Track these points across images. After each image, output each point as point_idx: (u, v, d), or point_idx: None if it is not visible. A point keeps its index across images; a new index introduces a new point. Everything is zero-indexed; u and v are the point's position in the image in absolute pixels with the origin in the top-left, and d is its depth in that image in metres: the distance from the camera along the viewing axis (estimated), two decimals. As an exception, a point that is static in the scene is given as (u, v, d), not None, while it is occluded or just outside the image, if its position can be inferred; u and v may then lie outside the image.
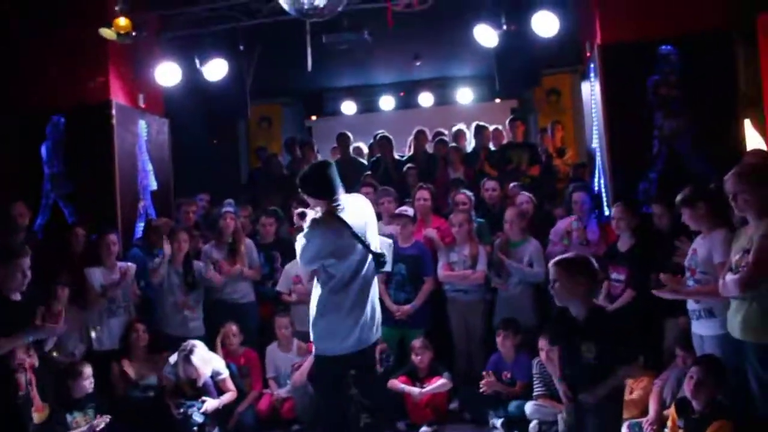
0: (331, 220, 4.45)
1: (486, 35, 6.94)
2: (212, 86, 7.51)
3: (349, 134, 9.92)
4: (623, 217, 5.75)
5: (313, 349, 4.69)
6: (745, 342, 4.03)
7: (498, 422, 5.79)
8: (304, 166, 9.33)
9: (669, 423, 4.59)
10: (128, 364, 6.13)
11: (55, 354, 5.72)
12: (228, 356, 6.29)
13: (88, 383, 5.57)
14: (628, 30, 6.54)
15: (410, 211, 6.62)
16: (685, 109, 6.35)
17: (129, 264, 6.50)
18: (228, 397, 5.95)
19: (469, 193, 7.04)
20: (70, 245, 6.58)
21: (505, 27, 6.80)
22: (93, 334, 6.22)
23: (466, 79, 11.67)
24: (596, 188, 7.04)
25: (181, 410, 5.58)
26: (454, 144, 9.25)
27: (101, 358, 6.16)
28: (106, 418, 5.49)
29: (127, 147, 7.37)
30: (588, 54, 7.20)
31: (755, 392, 3.99)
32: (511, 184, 7.55)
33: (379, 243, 4.67)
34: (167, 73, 7.26)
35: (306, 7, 5.50)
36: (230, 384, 6.01)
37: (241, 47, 7.46)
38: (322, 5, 5.51)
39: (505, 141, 9.56)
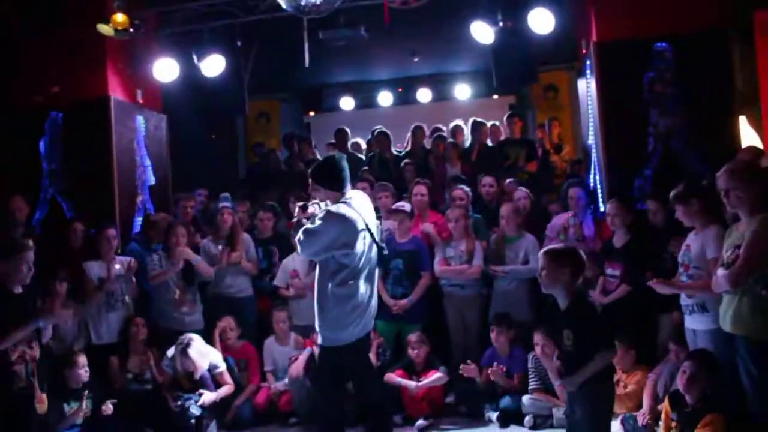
0: (347, 210, 4.61)
1: (482, 32, 6.97)
2: (210, 82, 7.54)
3: (347, 130, 9.97)
4: (618, 213, 5.79)
5: (320, 340, 4.78)
6: (735, 336, 4.08)
7: (493, 416, 5.84)
8: (300, 162, 9.52)
9: (662, 416, 4.63)
10: (127, 357, 6.16)
11: (51, 343, 5.74)
12: (226, 350, 6.33)
13: (83, 372, 5.61)
14: (623, 27, 6.58)
15: (407, 207, 6.65)
16: (680, 106, 6.38)
17: (131, 259, 6.53)
18: (225, 390, 6.00)
19: (467, 189, 7.08)
20: (69, 240, 6.62)
21: (501, 24, 6.83)
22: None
23: (463, 76, 11.73)
24: (592, 184, 7.07)
25: (179, 403, 5.62)
26: (451, 140, 9.28)
27: (100, 352, 6.20)
28: (110, 404, 5.54)
29: (125, 142, 7.40)
30: (584, 51, 7.23)
31: (746, 386, 4.03)
32: (508, 180, 7.59)
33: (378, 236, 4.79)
34: (165, 69, 7.29)
35: (303, 3, 5.54)
36: (227, 377, 6.05)
37: (239, 43, 7.49)
38: (318, 2, 5.56)
39: (502, 137, 9.60)
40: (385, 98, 12.05)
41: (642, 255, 5.60)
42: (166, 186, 8.08)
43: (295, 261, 6.77)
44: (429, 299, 6.53)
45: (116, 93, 7.32)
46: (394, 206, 6.69)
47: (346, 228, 4.58)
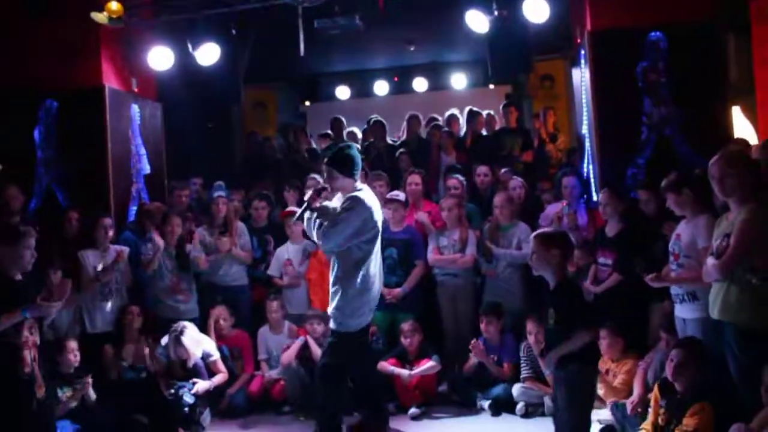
0: (368, 198, 4.86)
1: (477, 21, 6.95)
2: (205, 71, 7.53)
3: (343, 119, 9.97)
4: (610, 202, 5.81)
5: (335, 327, 4.93)
6: (724, 323, 4.10)
7: (485, 404, 5.87)
8: (296, 152, 9.51)
9: (652, 404, 4.66)
10: (122, 346, 6.17)
11: (45, 331, 5.76)
12: (219, 339, 6.36)
13: (73, 357, 5.62)
14: (617, 16, 6.57)
15: (402, 196, 6.67)
16: (674, 96, 6.39)
17: (122, 247, 6.55)
18: (219, 378, 6.02)
19: (461, 178, 7.10)
20: (64, 229, 6.63)
21: (496, 12, 6.81)
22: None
23: (460, 65, 11.72)
24: (585, 174, 7.08)
25: (172, 391, 5.64)
26: (447, 129, 9.28)
27: (95, 341, 6.23)
28: (88, 379, 5.57)
29: (120, 131, 7.40)
30: (578, 40, 7.22)
31: (733, 373, 4.07)
32: (503, 170, 7.60)
33: None
34: (160, 58, 7.28)
35: (298, -9, 5.53)
36: (221, 366, 6.08)
37: (234, 32, 7.47)
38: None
39: (498, 126, 9.60)
40: (381, 87, 12.04)
41: (634, 244, 5.62)
42: (162, 175, 8.09)
43: (288, 250, 6.79)
44: (422, 288, 6.56)
45: (111, 82, 7.31)
46: (388, 195, 6.70)
47: (370, 216, 4.83)
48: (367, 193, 4.97)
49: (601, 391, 5.30)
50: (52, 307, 4.35)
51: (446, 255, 6.47)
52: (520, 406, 5.73)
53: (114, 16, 6.69)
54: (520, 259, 6.19)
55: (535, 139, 9.49)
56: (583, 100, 7.15)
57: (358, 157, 4.98)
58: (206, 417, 5.88)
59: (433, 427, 5.56)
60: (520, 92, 11.81)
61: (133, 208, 7.39)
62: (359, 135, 10.12)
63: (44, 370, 4.86)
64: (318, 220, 4.87)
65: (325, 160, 5.01)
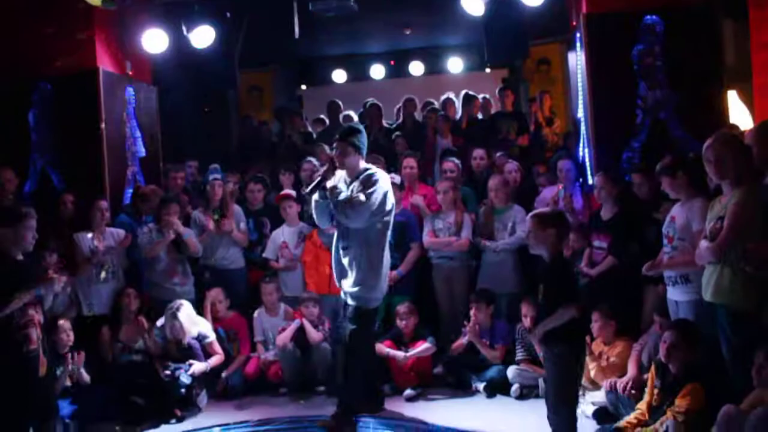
0: (385, 175, 5.13)
1: (473, 4, 6.93)
2: (201, 54, 7.51)
3: (339, 102, 9.95)
4: (605, 186, 5.82)
5: (357, 304, 5.09)
6: (716, 305, 4.13)
7: (480, 386, 5.91)
8: (292, 135, 9.49)
9: (648, 383, 4.69)
10: (118, 328, 6.19)
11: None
12: (216, 321, 6.37)
13: (66, 336, 5.62)
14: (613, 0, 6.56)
15: (397, 179, 6.67)
16: (669, 79, 6.38)
17: (119, 230, 6.55)
18: (215, 360, 6.04)
19: (457, 161, 7.11)
20: (59, 211, 6.63)
21: (492, -4, 6.81)
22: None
23: (456, 49, 11.69)
24: (581, 157, 7.09)
25: (169, 372, 5.66)
26: (442, 112, 9.28)
27: (91, 323, 6.25)
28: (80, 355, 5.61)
29: (115, 114, 7.38)
30: (574, 23, 7.21)
31: (725, 354, 4.10)
32: (498, 154, 7.60)
33: None
34: (154, 40, 7.25)
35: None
36: (217, 347, 6.10)
37: (228, 15, 7.44)
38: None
39: (494, 110, 9.59)
40: (377, 71, 12.02)
41: (629, 227, 5.65)
42: (157, 158, 8.08)
43: (284, 233, 6.81)
44: (417, 271, 6.58)
45: (105, 64, 7.28)
46: (384, 178, 6.70)
47: (389, 191, 5.07)
48: (379, 170, 5.19)
49: (593, 373, 5.34)
50: (60, 281, 4.45)
51: (441, 238, 6.49)
52: (514, 388, 5.77)
53: (107, -2, 6.66)
54: (518, 242, 6.21)
55: (532, 123, 9.49)
56: (579, 84, 7.15)
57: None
58: (203, 398, 5.92)
59: (429, 409, 5.60)
60: (516, 76, 11.79)
61: (129, 191, 7.39)
62: (355, 118, 10.11)
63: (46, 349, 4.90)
64: (343, 196, 4.98)
65: (338, 136, 5.19)
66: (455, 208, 6.54)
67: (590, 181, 6.69)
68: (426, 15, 9.52)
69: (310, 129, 10.04)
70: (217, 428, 5.45)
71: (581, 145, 7.17)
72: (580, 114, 7.14)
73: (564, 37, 9.49)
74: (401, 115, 9.55)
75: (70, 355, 5.60)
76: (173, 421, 5.61)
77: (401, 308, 6.22)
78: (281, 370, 6.24)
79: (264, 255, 6.87)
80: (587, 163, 6.93)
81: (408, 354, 6.06)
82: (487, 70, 11.85)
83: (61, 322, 5.70)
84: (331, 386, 6.07)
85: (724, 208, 4.11)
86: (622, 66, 6.44)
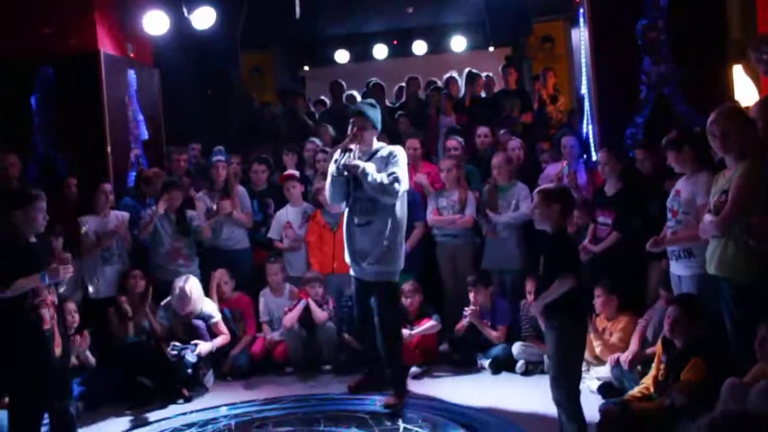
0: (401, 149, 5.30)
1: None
2: (202, 35, 7.49)
3: (343, 83, 9.92)
4: (609, 162, 5.79)
5: (384, 278, 5.17)
6: (720, 278, 4.12)
7: (485, 363, 5.93)
8: (292, 116, 9.46)
9: (655, 359, 4.70)
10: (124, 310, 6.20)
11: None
12: (221, 302, 6.40)
13: (71, 318, 5.63)
14: (617, -26, 6.51)
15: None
16: (674, 54, 6.33)
17: (123, 213, 6.57)
18: (221, 340, 6.07)
19: (460, 139, 7.09)
20: (63, 195, 6.64)
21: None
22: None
23: (459, 27, 11.61)
24: (585, 133, 7.07)
25: (175, 352, 5.69)
26: (445, 91, 9.24)
27: (98, 305, 6.28)
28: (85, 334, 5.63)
29: (117, 97, 7.38)
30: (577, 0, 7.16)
31: (728, 327, 4.10)
32: (502, 131, 7.58)
33: None
34: (155, 22, 7.24)
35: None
36: (223, 327, 6.12)
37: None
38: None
39: (497, 89, 9.55)
40: (380, 51, 11.96)
41: (632, 203, 5.63)
42: (160, 140, 8.09)
43: (288, 213, 6.82)
44: (422, 249, 6.58)
45: (106, 47, 7.27)
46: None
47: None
48: (394, 146, 5.34)
49: (598, 349, 5.35)
50: (68, 271, 4.42)
51: (445, 216, 6.49)
52: (519, 364, 5.79)
53: (107, -20, 6.64)
54: (522, 218, 6.21)
55: (536, 101, 9.45)
56: (582, 60, 7.10)
57: None
58: (209, 378, 5.96)
59: (434, 386, 5.62)
60: (520, 54, 11.71)
61: (132, 174, 7.40)
62: (359, 99, 10.08)
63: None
64: (375, 176, 5.00)
65: (357, 111, 5.27)
66: (459, 186, 6.53)
67: (594, 158, 6.66)
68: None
69: (312, 109, 10.01)
70: (225, 407, 5.48)
71: (585, 121, 7.14)
72: (584, 90, 7.11)
73: (568, 15, 9.44)
74: (404, 94, 9.52)
75: (74, 337, 5.62)
76: (181, 401, 5.64)
77: (406, 286, 6.22)
78: (287, 350, 6.27)
79: (268, 235, 6.89)
80: (591, 140, 6.91)
81: (413, 332, 6.07)
82: (491, 48, 11.79)
83: (68, 304, 5.72)
84: (336, 365, 6.11)
85: (728, 181, 4.09)
86: (626, 41, 6.39)
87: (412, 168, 6.90)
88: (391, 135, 7.57)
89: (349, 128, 5.26)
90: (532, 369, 5.77)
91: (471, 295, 6.07)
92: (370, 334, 5.42)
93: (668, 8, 6.33)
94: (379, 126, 5.34)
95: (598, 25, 6.60)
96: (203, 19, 7.27)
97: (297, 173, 7.03)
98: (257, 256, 7.02)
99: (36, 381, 4.28)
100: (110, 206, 6.53)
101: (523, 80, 10.52)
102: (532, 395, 5.16)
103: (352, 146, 5.08)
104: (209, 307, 6.13)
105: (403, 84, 9.72)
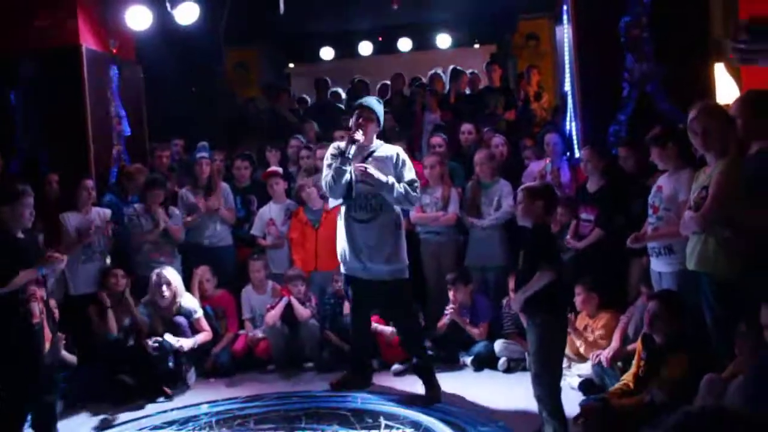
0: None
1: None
2: (186, 31, 7.44)
3: (328, 80, 9.91)
4: (591, 159, 5.82)
5: (400, 276, 5.20)
6: (700, 274, 4.14)
7: (468, 360, 5.94)
8: (277, 112, 9.43)
9: (635, 355, 4.72)
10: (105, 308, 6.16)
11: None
12: (203, 299, 6.36)
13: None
14: (600, -29, 6.52)
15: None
16: (656, 52, 6.35)
17: (105, 210, 6.52)
18: (202, 337, 6.02)
19: (444, 136, 7.09)
20: (44, 191, 6.58)
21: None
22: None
23: (444, 24, 11.60)
24: (568, 131, 7.08)
25: (156, 345, 5.64)
26: (430, 87, 9.25)
27: (78, 302, 6.23)
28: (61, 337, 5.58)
29: (99, 92, 7.31)
30: (561, -4, 7.17)
31: (708, 323, 4.12)
32: (486, 128, 7.58)
33: None
34: (138, 17, 7.18)
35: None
36: (204, 324, 6.08)
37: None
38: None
39: (482, 86, 9.56)
40: (365, 48, 11.94)
41: (615, 200, 5.65)
42: (143, 137, 8.02)
43: (271, 210, 6.80)
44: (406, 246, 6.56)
45: (88, 42, 7.20)
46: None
47: None
48: (396, 147, 5.42)
49: (582, 348, 5.36)
50: (62, 261, 4.52)
51: (429, 213, 6.48)
52: (502, 361, 5.80)
53: (89, -27, 6.58)
54: (506, 216, 6.21)
55: (520, 98, 9.46)
56: (566, 58, 7.11)
57: None
58: (191, 376, 5.92)
59: (416, 383, 5.60)
60: (505, 51, 11.74)
61: (115, 171, 7.34)
62: (343, 96, 10.07)
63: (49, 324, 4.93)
64: (403, 186, 5.04)
65: (364, 104, 5.23)
66: (442, 183, 6.53)
67: (577, 155, 6.68)
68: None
69: (297, 106, 9.99)
70: (206, 405, 5.44)
71: (568, 118, 7.15)
72: (567, 87, 7.12)
73: (552, 12, 9.44)
74: (389, 91, 9.51)
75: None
76: (162, 399, 5.60)
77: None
78: (269, 347, 6.24)
79: (251, 232, 6.86)
80: (574, 137, 6.92)
81: (395, 329, 6.05)
82: (476, 45, 11.79)
83: (49, 301, 5.67)
84: (319, 362, 6.10)
85: (709, 178, 4.11)
86: (609, 39, 6.38)
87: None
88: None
89: (354, 119, 5.19)
90: (514, 366, 5.78)
91: (450, 293, 6.07)
92: (362, 333, 5.43)
93: (651, 6, 6.35)
94: (382, 122, 5.34)
95: (581, 22, 6.61)
96: (186, 14, 7.21)
97: (280, 170, 7.00)
98: (240, 253, 6.99)
99: (25, 375, 4.29)
100: (92, 203, 6.48)
101: (508, 77, 10.54)
102: (514, 392, 5.17)
103: (358, 137, 5.03)
104: (191, 302, 6.09)
105: (388, 81, 9.71)
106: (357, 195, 5.10)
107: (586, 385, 5.11)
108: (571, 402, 4.47)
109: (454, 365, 6.00)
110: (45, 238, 6.02)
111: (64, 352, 5.61)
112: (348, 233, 5.16)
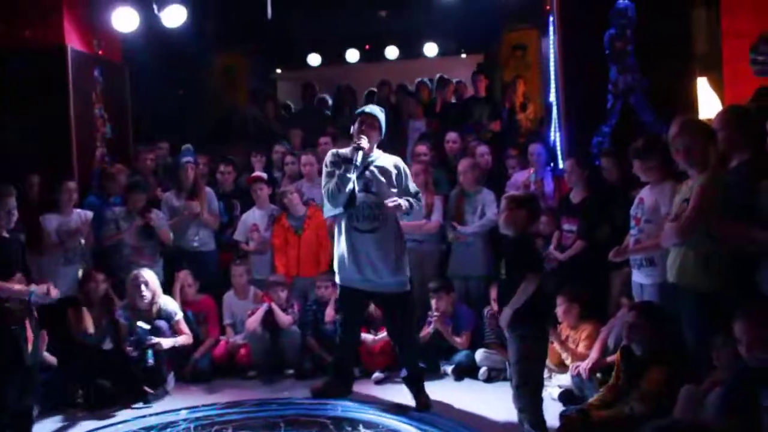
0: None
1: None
2: (172, 34, 7.42)
3: (315, 85, 9.91)
4: (574, 171, 5.85)
5: (407, 288, 5.19)
6: (680, 286, 4.16)
7: (449, 369, 5.93)
8: (266, 118, 9.43)
9: (615, 367, 4.72)
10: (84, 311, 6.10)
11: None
12: (185, 304, 6.31)
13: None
14: (586, -17, 6.58)
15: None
16: (640, 65, 6.41)
17: (86, 212, 6.47)
18: (183, 339, 5.93)
19: (429, 145, 7.09)
20: (26, 192, 6.52)
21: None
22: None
23: (432, 33, 11.64)
24: (552, 141, 7.12)
25: (133, 338, 5.60)
26: (415, 95, 9.26)
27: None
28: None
29: (84, 93, 7.27)
30: (548, 7, 7.21)
31: (688, 336, 4.13)
32: (471, 138, 7.60)
33: None
34: (124, 19, 7.16)
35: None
36: (185, 327, 6.00)
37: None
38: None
39: (468, 95, 9.58)
40: (352, 55, 11.96)
41: (598, 211, 5.67)
42: (127, 139, 7.99)
43: (255, 215, 6.77)
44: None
45: (73, 43, 7.17)
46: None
47: None
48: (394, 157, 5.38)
49: (567, 360, 5.35)
50: (53, 296, 4.53)
51: (412, 221, 6.47)
52: (482, 371, 5.79)
53: (76, -26, 6.56)
54: (489, 224, 6.22)
55: (506, 108, 9.48)
56: (551, 69, 7.16)
57: None
58: (170, 381, 5.86)
59: (397, 391, 5.59)
60: (491, 61, 11.79)
61: (97, 172, 7.29)
62: (330, 102, 10.07)
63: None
64: (409, 199, 5.07)
65: (369, 112, 5.16)
66: (426, 191, 6.51)
67: (561, 165, 6.71)
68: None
69: (283, 112, 9.98)
70: (185, 411, 5.39)
71: (553, 129, 7.19)
72: (552, 98, 7.16)
73: (540, 23, 9.49)
74: (375, 98, 9.51)
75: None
76: (140, 404, 5.53)
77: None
78: (250, 353, 6.21)
79: (234, 237, 6.83)
80: (558, 147, 6.96)
81: (377, 337, 6.05)
82: (463, 55, 11.84)
83: None
84: (300, 369, 6.06)
85: (690, 190, 4.13)
86: (594, 50, 6.46)
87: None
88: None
89: (356, 126, 5.12)
90: (494, 376, 5.77)
91: (433, 302, 6.07)
92: (351, 344, 5.45)
93: (635, 19, 6.41)
94: (384, 131, 5.27)
95: (566, 34, 6.67)
96: (174, 17, 7.20)
97: (265, 175, 6.98)
98: (222, 258, 6.95)
99: (5, 376, 4.26)
100: (74, 205, 6.43)
101: (494, 87, 10.58)
102: (495, 402, 5.16)
103: (364, 144, 4.97)
104: (171, 304, 6.02)
105: (374, 89, 9.72)
106: (359, 204, 5.00)
107: (566, 396, 5.12)
108: (552, 413, 4.47)
109: (435, 374, 5.98)
110: (25, 240, 5.96)
111: (45, 353, 5.56)
112: (349, 243, 5.03)
